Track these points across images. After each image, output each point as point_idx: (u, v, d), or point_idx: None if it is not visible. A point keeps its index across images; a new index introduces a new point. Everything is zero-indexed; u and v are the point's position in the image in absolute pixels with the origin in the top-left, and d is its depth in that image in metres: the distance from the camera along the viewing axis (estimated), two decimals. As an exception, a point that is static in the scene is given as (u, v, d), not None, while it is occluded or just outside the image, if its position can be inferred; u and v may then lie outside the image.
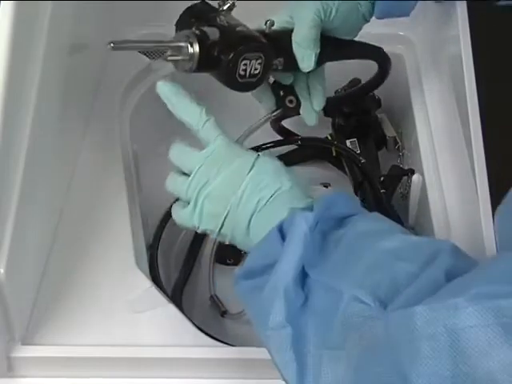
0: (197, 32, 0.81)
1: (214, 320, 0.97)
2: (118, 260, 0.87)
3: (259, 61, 0.82)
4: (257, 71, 0.82)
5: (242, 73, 0.81)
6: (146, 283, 0.86)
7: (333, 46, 0.91)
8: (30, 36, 0.81)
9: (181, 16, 0.86)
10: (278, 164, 0.77)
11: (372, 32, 0.94)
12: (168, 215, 1.05)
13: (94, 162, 0.99)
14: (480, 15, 0.96)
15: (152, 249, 0.98)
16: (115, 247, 0.89)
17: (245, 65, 0.81)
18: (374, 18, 0.93)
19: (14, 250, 0.75)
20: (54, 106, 0.89)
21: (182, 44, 0.80)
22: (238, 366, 0.78)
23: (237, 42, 0.81)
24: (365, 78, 1.07)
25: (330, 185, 0.96)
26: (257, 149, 1.12)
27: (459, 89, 0.92)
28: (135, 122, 1.09)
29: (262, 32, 0.85)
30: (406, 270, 0.61)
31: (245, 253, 1.05)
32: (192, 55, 0.80)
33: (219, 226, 0.75)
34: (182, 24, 0.85)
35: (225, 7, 0.84)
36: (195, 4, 0.86)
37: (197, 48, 0.80)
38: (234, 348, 0.80)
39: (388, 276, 0.62)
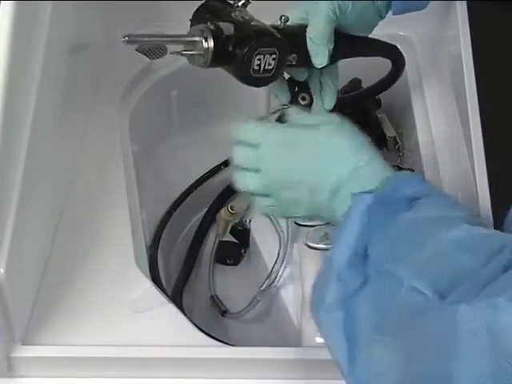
0: (211, 27, 0.81)
1: (214, 320, 0.98)
2: (117, 260, 0.87)
3: (273, 56, 0.82)
4: (271, 66, 0.82)
5: (256, 68, 0.81)
6: (146, 283, 0.86)
7: (347, 43, 0.90)
8: (30, 36, 0.81)
9: (196, 11, 0.86)
10: (358, 139, 0.75)
11: (372, 32, 0.94)
12: (168, 215, 1.06)
13: (94, 162, 0.99)
14: (480, 15, 0.96)
15: (152, 249, 0.98)
16: (115, 247, 0.89)
17: (259, 60, 0.81)
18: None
19: (14, 250, 0.75)
20: (54, 105, 0.89)
21: (197, 39, 0.80)
22: (238, 366, 0.78)
23: (251, 36, 0.81)
24: (365, 78, 1.07)
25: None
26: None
27: (459, 89, 0.92)
28: (135, 121, 1.09)
29: (276, 28, 0.85)
30: (467, 263, 0.62)
31: (245, 252, 1.06)
32: (206, 50, 0.80)
33: (298, 203, 0.75)
34: (196, 19, 0.85)
35: (240, 3, 0.84)
36: (210, 0, 0.86)
37: (211, 43, 0.80)
38: (234, 348, 0.80)
39: (450, 268, 0.63)
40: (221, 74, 0.84)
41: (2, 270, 0.73)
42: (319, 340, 0.83)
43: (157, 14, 1.15)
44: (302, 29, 0.87)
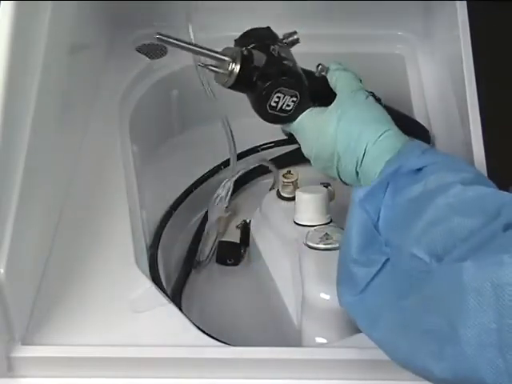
0: (245, 52, 0.82)
1: (214, 320, 0.97)
2: (117, 260, 0.87)
3: (293, 99, 0.83)
4: (289, 108, 0.83)
5: (274, 104, 0.83)
6: (146, 283, 0.86)
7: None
8: (30, 36, 0.81)
9: (242, 34, 0.87)
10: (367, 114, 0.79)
11: (372, 33, 0.94)
12: (168, 215, 1.06)
13: (94, 162, 0.99)
14: (480, 15, 0.96)
15: (152, 249, 0.98)
16: (115, 247, 0.89)
17: (278, 97, 0.82)
18: (373, 18, 0.93)
19: (13, 250, 0.75)
20: (54, 105, 0.89)
21: (227, 59, 0.82)
22: (238, 366, 0.78)
23: (277, 73, 0.82)
24: (365, 79, 1.07)
25: (330, 185, 0.96)
26: (258, 149, 1.13)
27: (459, 89, 0.92)
28: (135, 121, 1.09)
29: (310, 73, 0.85)
30: (465, 224, 0.64)
31: (245, 252, 1.06)
32: (232, 72, 0.82)
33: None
34: (240, 41, 0.87)
35: (288, 40, 0.85)
36: (260, 28, 0.88)
37: (238, 67, 0.82)
38: (234, 348, 0.80)
39: (445, 231, 0.65)
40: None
41: (2, 270, 0.73)
42: (319, 340, 0.83)
43: (157, 13, 1.16)
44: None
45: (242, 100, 0.86)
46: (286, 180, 0.98)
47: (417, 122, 1.00)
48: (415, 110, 1.06)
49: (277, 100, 0.82)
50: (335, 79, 0.84)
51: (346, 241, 0.73)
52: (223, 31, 1.07)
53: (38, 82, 0.81)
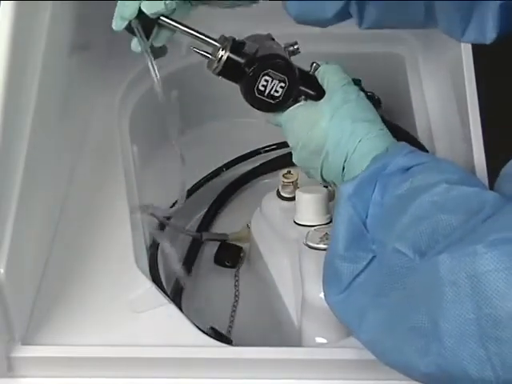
0: (236, 40, 0.82)
1: (214, 320, 0.97)
2: (117, 260, 0.87)
3: (282, 84, 0.81)
4: (277, 94, 0.82)
5: (262, 88, 0.81)
6: (146, 283, 0.86)
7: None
8: (30, 36, 0.81)
9: (244, 38, 0.86)
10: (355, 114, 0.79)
11: (372, 33, 0.94)
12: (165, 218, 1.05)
13: (94, 162, 0.99)
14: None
15: (152, 249, 0.98)
16: (115, 247, 0.89)
17: (266, 81, 0.81)
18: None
19: (13, 249, 0.75)
20: (54, 105, 0.89)
21: (217, 44, 0.82)
22: (238, 366, 0.78)
23: (265, 56, 0.82)
24: (365, 79, 1.07)
25: (330, 185, 0.96)
26: (260, 151, 1.13)
27: (459, 89, 0.92)
28: (135, 121, 1.09)
29: (305, 72, 0.84)
30: (448, 221, 0.65)
31: (244, 255, 1.06)
32: (220, 59, 0.81)
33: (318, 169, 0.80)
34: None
35: (290, 48, 0.85)
36: (261, 34, 0.87)
37: (227, 53, 0.81)
38: (234, 348, 0.80)
39: (429, 228, 0.65)
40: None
41: (2, 270, 0.73)
42: (319, 340, 0.83)
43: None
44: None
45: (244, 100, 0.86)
46: (285, 180, 0.98)
47: (415, 138, 1.00)
48: (415, 110, 1.06)
49: (265, 84, 0.81)
50: (322, 72, 0.84)
51: (333, 237, 0.73)
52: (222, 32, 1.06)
53: (38, 82, 0.81)
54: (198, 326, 0.83)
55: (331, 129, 0.79)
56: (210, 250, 1.07)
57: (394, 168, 0.72)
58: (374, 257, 0.70)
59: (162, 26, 0.82)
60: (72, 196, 0.94)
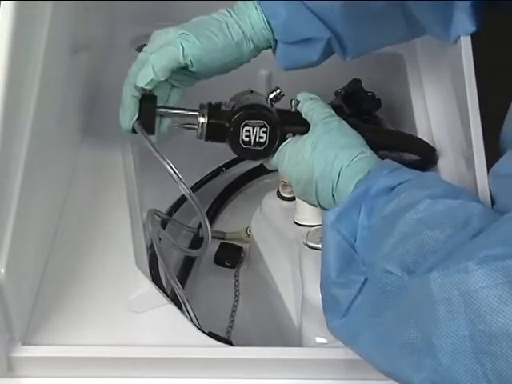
0: (212, 103, 0.87)
1: (214, 320, 0.97)
2: (118, 260, 0.87)
3: (264, 129, 0.85)
4: (262, 139, 0.85)
5: (246, 139, 0.85)
6: (146, 283, 0.86)
7: (369, 135, 0.86)
8: (30, 36, 0.81)
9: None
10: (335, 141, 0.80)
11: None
12: (168, 215, 1.05)
13: (94, 162, 0.99)
14: (480, 15, 0.96)
15: (152, 249, 0.98)
16: (115, 247, 0.89)
17: (247, 131, 0.85)
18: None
19: (14, 249, 0.75)
20: (55, 106, 0.89)
21: (195, 113, 0.87)
22: (238, 366, 0.78)
23: (238, 109, 0.85)
24: (365, 79, 1.07)
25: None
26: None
27: (459, 89, 0.92)
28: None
29: (286, 111, 0.86)
30: (435, 237, 0.65)
31: (244, 255, 1.06)
32: (202, 124, 0.87)
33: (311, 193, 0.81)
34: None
35: (271, 95, 0.87)
36: (243, 91, 0.91)
37: (206, 118, 0.87)
38: (234, 348, 0.80)
39: (415, 245, 0.66)
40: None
41: (2, 270, 0.73)
42: (319, 340, 0.83)
43: (157, 13, 1.16)
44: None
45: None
46: (286, 180, 0.98)
47: (423, 140, 0.99)
48: (415, 110, 1.06)
49: (247, 134, 0.85)
50: (306, 110, 0.86)
51: (324, 265, 0.74)
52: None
53: (38, 82, 0.81)
54: (198, 326, 0.83)
55: (315, 159, 0.80)
56: (210, 249, 1.07)
57: (378, 189, 0.73)
58: (366, 279, 0.70)
59: (161, 115, 0.90)
60: (72, 196, 0.94)
